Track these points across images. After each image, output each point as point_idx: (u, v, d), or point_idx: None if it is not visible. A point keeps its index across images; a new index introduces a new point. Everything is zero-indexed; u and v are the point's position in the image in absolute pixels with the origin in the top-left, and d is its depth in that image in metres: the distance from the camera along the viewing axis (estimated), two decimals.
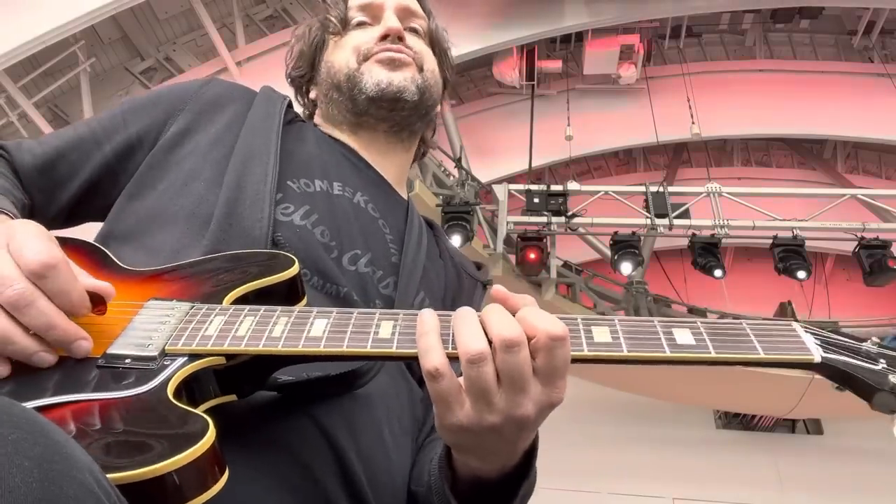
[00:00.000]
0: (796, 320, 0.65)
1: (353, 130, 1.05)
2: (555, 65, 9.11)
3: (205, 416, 0.55)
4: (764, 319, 0.64)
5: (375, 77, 1.00)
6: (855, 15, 9.05)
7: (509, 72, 8.67)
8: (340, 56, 1.05)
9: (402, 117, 1.04)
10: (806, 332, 0.63)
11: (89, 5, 5.50)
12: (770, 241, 6.20)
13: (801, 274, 5.98)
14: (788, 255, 6.08)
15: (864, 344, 0.62)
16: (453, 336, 0.61)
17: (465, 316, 0.62)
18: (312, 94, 1.12)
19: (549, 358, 0.59)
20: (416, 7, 1.11)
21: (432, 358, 0.59)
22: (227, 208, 0.82)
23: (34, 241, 0.61)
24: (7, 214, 0.73)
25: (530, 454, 0.69)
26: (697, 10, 8.22)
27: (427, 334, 0.61)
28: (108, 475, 0.46)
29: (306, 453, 0.71)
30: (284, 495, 0.68)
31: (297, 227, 0.84)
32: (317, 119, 1.11)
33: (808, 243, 6.13)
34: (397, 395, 0.84)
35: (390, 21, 1.04)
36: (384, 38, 1.02)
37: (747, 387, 6.84)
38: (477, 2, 7.46)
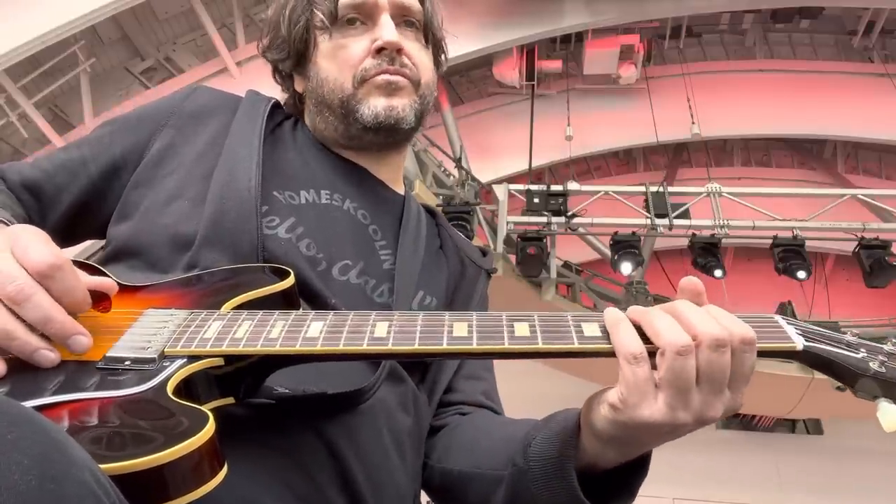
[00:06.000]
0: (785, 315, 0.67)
1: (340, 148, 1.01)
2: (555, 65, 9.12)
3: (204, 409, 0.55)
4: (747, 314, 0.66)
5: (373, 108, 0.92)
6: (855, 15, 9.05)
7: (509, 72, 8.67)
8: (333, 72, 0.95)
9: (394, 142, 1.01)
10: (788, 323, 0.65)
11: (89, 5, 5.51)
12: (770, 241, 6.20)
13: (801, 274, 5.98)
14: (788, 255, 6.08)
15: (844, 335, 0.65)
16: (641, 329, 0.61)
17: (649, 310, 0.62)
18: (299, 87, 1.03)
19: (740, 361, 0.60)
20: (412, 1, 0.99)
21: (633, 344, 0.60)
22: (212, 224, 0.82)
23: (38, 244, 0.62)
24: (4, 222, 0.74)
25: (644, 459, 0.69)
26: (697, 10, 8.22)
27: (620, 323, 0.62)
28: (108, 465, 0.47)
29: (304, 456, 0.71)
30: (282, 495, 0.68)
31: (282, 240, 0.84)
32: (306, 119, 1.05)
33: (808, 243, 6.13)
34: (398, 399, 0.84)
35: (387, 32, 0.93)
36: (380, 50, 0.93)
37: (747, 387, 6.83)
38: (477, 1, 7.46)
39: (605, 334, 0.62)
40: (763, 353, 0.63)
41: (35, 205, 0.92)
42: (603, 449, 0.67)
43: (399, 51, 0.94)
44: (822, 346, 0.63)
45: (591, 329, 0.63)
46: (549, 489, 0.68)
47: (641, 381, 0.59)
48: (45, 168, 0.93)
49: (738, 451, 8.57)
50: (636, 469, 0.69)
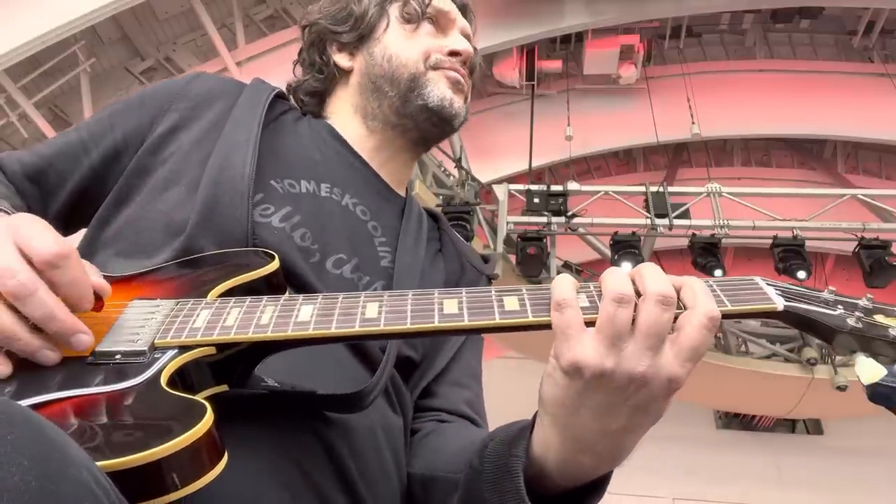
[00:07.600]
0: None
1: (381, 127, 1.02)
2: (555, 65, 9.11)
3: (202, 400, 0.55)
4: (728, 277, 0.67)
5: (442, 92, 1.01)
6: (855, 15, 9.05)
7: (509, 72, 8.67)
8: (408, 51, 1.02)
9: (437, 136, 1.07)
10: (767, 284, 0.66)
11: (89, 5, 5.50)
12: (770, 241, 6.20)
13: (802, 274, 5.97)
14: (788, 255, 6.07)
15: (821, 293, 0.67)
16: (594, 292, 0.62)
17: (614, 269, 0.63)
18: (345, 63, 1.06)
19: (698, 335, 0.59)
20: (471, 36, 1.13)
21: (563, 291, 0.61)
22: (205, 210, 0.81)
23: (45, 232, 0.60)
24: (5, 212, 0.72)
25: (602, 480, 0.67)
26: (697, 10, 8.21)
27: (565, 281, 0.63)
28: (106, 462, 0.47)
29: (299, 450, 0.71)
30: (278, 489, 0.68)
31: (275, 228, 0.83)
32: (334, 103, 1.06)
33: (808, 243, 6.12)
34: (388, 398, 0.84)
35: (463, 43, 1.05)
36: (455, 54, 1.03)
37: (747, 387, 6.84)
38: (477, 2, 7.42)
39: (595, 305, 0.62)
40: (745, 315, 0.64)
41: (36, 193, 0.90)
42: (549, 435, 0.64)
43: (465, 62, 1.05)
44: (802, 306, 0.64)
45: (580, 300, 0.63)
46: (498, 491, 0.66)
47: (563, 324, 0.60)
48: (45, 154, 0.92)
49: (738, 451, 8.58)
50: (591, 491, 0.67)
